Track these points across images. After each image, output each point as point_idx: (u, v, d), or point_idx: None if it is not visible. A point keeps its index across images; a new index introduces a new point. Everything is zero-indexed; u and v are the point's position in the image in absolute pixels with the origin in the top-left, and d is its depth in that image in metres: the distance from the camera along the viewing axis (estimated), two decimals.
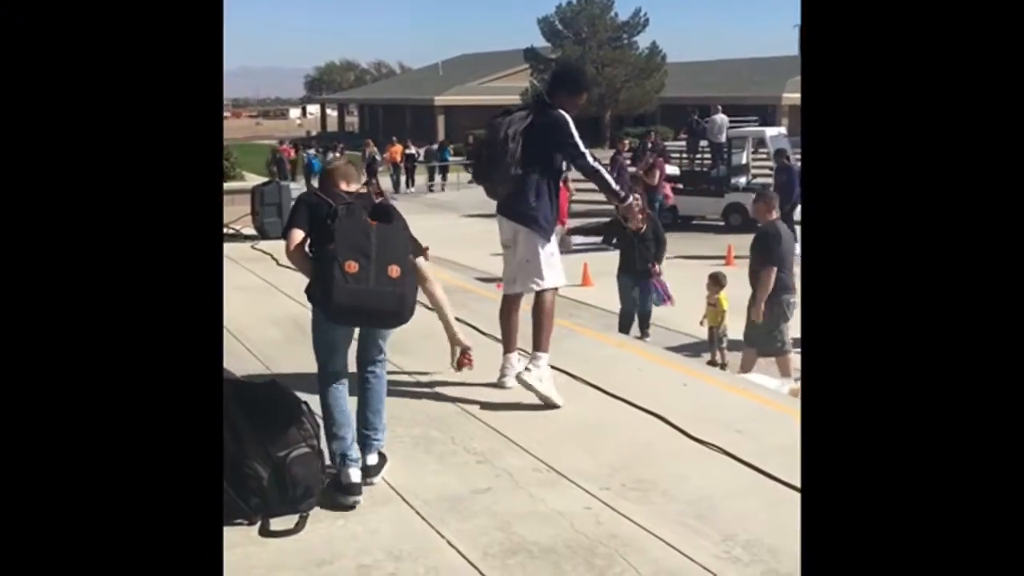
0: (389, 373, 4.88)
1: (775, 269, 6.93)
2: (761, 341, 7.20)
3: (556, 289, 4.46)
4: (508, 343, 4.64)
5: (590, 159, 4.36)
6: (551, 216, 4.42)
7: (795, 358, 7.26)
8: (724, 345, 8.49)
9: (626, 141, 20.56)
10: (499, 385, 4.58)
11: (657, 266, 9.52)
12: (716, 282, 8.65)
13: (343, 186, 3.51)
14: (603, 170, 4.41)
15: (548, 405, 4.28)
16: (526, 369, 4.30)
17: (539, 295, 4.40)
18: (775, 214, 7.28)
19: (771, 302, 7.05)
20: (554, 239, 4.47)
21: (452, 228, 18.80)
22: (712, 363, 8.08)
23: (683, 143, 25.34)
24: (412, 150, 29.39)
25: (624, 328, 9.77)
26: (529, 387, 4.25)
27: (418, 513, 3.27)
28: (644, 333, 9.54)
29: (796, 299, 7.14)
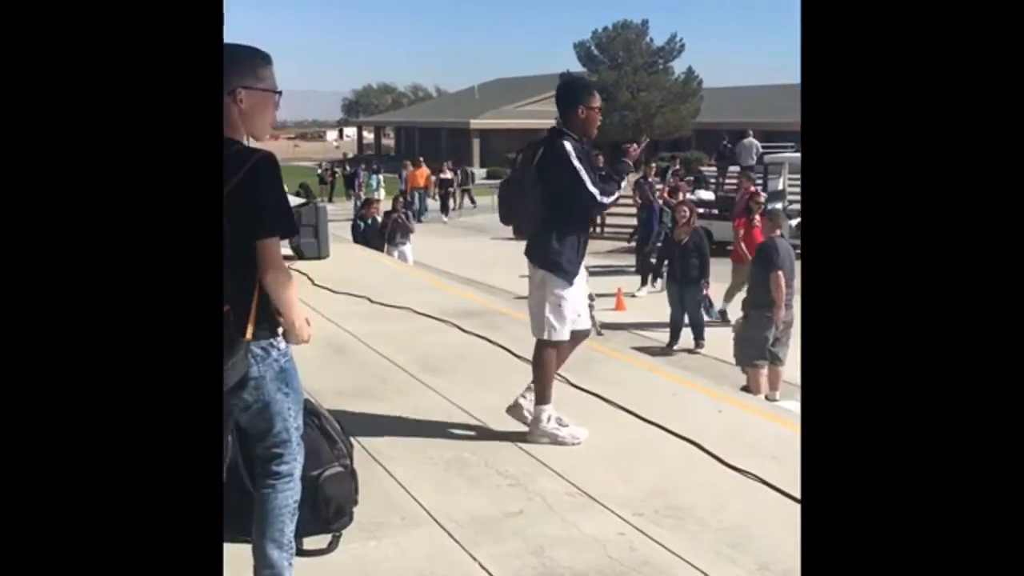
0: (422, 395, 4.93)
1: (781, 274, 7.39)
2: (751, 354, 7.65)
3: (559, 343, 4.18)
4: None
5: (593, 191, 4.00)
6: (576, 259, 4.12)
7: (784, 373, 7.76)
8: None
9: (653, 165, 20.62)
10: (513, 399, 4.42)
11: (704, 281, 9.99)
12: None
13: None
14: (599, 196, 4.03)
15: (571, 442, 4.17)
16: (528, 433, 4.17)
17: (540, 344, 4.19)
18: (778, 232, 7.88)
19: (761, 312, 7.54)
20: (578, 283, 4.17)
21: (482, 251, 18.86)
22: (746, 388, 8.11)
23: (715, 168, 25.36)
24: (447, 174, 27.26)
25: (673, 337, 10.11)
26: (540, 440, 4.12)
27: (450, 535, 3.26)
28: (698, 343, 10.11)
29: (791, 317, 7.64)
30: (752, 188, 15.16)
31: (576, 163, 3.99)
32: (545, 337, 4.15)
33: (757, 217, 11.84)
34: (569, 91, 4.23)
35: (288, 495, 2.62)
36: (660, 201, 14.71)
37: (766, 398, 7.31)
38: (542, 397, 4.20)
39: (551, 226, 4.07)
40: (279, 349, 2.54)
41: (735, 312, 9.57)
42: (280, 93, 2.55)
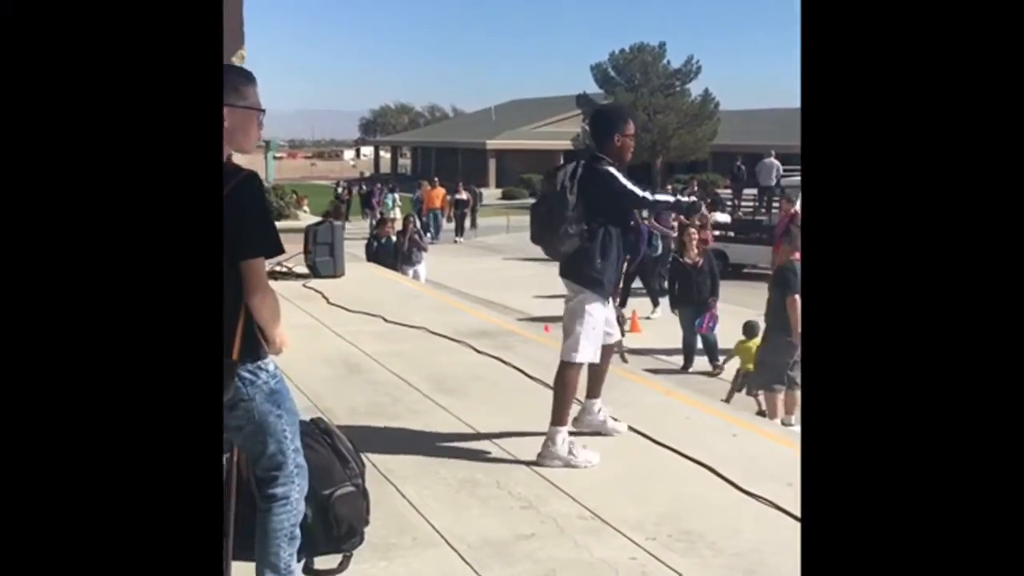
0: (435, 415, 4.92)
1: (798, 297, 7.33)
2: (769, 378, 7.60)
3: (586, 363, 4.26)
4: (590, 389, 4.54)
5: (645, 194, 4.19)
6: (615, 279, 4.22)
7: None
8: (742, 390, 8.70)
9: (669, 187, 20.61)
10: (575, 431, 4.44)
11: (713, 299, 9.98)
12: (746, 330, 9.00)
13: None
14: (661, 196, 4.22)
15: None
16: (539, 455, 4.15)
17: (565, 365, 4.21)
18: (796, 256, 7.82)
19: (781, 336, 7.47)
20: (608, 305, 4.27)
21: (496, 271, 18.90)
22: (762, 413, 8.11)
23: (730, 190, 25.35)
24: (463, 195, 26.69)
25: (688, 359, 10.11)
26: (553, 464, 4.11)
27: (461, 557, 3.24)
28: (714, 365, 10.09)
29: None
30: (793, 210, 14.01)
31: (622, 178, 4.12)
32: (577, 360, 4.17)
33: (799, 241, 11.69)
34: (605, 119, 4.34)
35: (284, 518, 2.56)
36: (674, 223, 14.60)
37: (782, 423, 7.26)
38: (559, 419, 4.18)
39: (592, 245, 4.12)
40: (268, 371, 2.52)
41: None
42: (263, 111, 2.55)
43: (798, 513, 3.55)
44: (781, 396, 7.61)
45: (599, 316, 4.19)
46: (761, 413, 8.04)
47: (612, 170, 4.12)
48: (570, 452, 4.14)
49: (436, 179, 28.42)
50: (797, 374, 7.59)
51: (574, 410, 4.49)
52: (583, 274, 4.15)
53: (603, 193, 4.08)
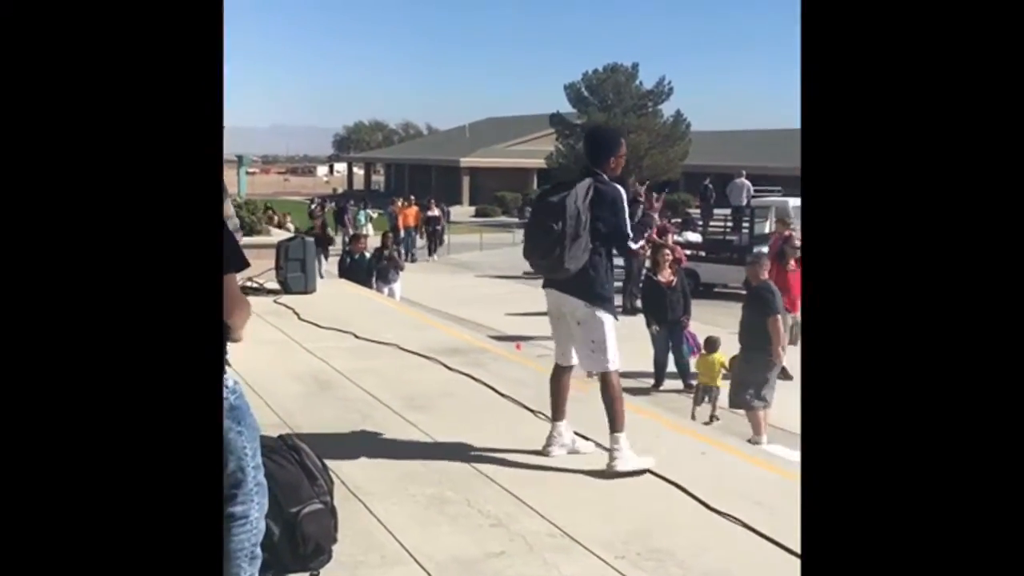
0: (405, 432, 4.91)
1: (779, 317, 7.45)
2: (748, 396, 7.63)
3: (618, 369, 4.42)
4: (557, 411, 4.56)
5: (629, 234, 4.30)
6: (613, 294, 4.43)
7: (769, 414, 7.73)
8: (705, 401, 8.78)
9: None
10: (543, 453, 4.47)
11: (686, 318, 9.98)
12: (707, 344, 9.13)
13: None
14: (631, 241, 4.36)
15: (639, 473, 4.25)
16: (612, 459, 4.24)
17: (605, 376, 4.33)
18: (765, 275, 7.99)
19: (762, 355, 7.54)
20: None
21: (469, 288, 18.89)
22: (708, 422, 8.23)
23: (699, 210, 25.52)
24: (435, 211, 26.92)
25: (659, 378, 10.10)
26: (625, 474, 4.21)
27: (430, 575, 3.22)
28: (686, 385, 10.00)
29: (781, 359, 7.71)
30: (787, 232, 13.56)
31: (626, 209, 4.30)
32: (613, 367, 4.33)
33: (792, 263, 11.26)
34: (602, 142, 4.58)
35: (244, 538, 2.53)
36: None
37: (749, 441, 7.29)
38: (619, 426, 4.28)
39: (599, 263, 4.27)
40: (227, 387, 2.47)
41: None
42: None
43: (766, 532, 3.57)
44: (761, 414, 7.63)
45: (611, 327, 4.35)
46: (712, 418, 8.19)
47: (623, 192, 4.29)
48: (631, 453, 4.27)
49: (412, 197, 28.33)
50: (768, 392, 7.65)
51: (542, 436, 4.52)
52: (593, 293, 4.29)
53: (610, 214, 4.24)
